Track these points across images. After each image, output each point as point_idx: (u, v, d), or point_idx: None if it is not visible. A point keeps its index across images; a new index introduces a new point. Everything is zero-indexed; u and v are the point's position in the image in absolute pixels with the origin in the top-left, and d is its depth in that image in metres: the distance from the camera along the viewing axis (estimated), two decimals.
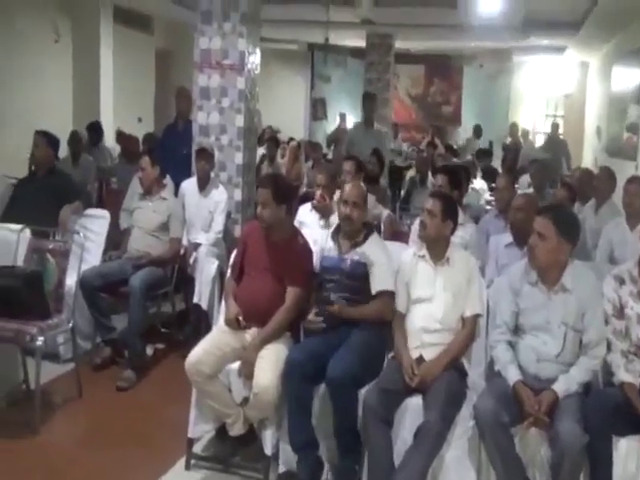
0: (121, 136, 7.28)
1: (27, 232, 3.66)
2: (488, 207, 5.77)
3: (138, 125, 8.91)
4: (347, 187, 3.05)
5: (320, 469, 2.76)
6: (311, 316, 2.91)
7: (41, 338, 3.17)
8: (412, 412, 2.62)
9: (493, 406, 2.45)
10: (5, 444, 3.09)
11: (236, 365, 2.87)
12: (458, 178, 4.00)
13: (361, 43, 10.20)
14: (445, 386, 2.59)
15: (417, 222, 3.99)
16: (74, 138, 6.31)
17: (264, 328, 2.90)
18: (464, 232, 3.51)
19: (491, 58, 12.32)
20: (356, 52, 11.81)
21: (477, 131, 11.11)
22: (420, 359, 2.72)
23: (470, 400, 2.64)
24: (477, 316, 2.82)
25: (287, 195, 3.08)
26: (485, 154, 8.58)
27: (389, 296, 2.87)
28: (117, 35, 8.41)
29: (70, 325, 3.48)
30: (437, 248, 2.86)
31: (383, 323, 2.87)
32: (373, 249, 2.95)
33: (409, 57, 12.20)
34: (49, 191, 4.21)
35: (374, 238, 3.03)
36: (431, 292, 2.82)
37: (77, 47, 8.07)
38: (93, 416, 3.49)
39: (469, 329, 2.79)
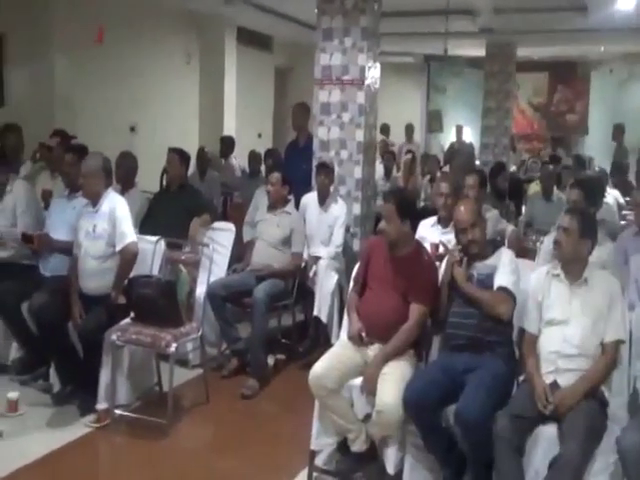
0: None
1: (162, 243, 3.87)
2: (623, 222, 5.37)
3: (258, 140, 9.26)
4: (458, 214, 2.92)
5: (464, 465, 2.66)
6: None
7: (175, 344, 3.35)
8: (545, 441, 2.47)
9: None
10: (138, 444, 3.29)
11: (359, 381, 2.85)
12: (594, 192, 3.75)
13: (479, 52, 9.93)
14: (584, 416, 2.42)
15: (546, 239, 3.80)
16: (201, 154, 6.65)
17: (387, 345, 2.87)
18: (601, 251, 3.25)
19: (622, 62, 11.52)
20: (474, 62, 11.52)
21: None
22: (554, 385, 2.56)
23: (611, 432, 2.45)
24: (619, 342, 2.62)
25: (411, 210, 3.07)
26: (621, 167, 7.99)
27: (507, 293, 2.76)
28: (239, 54, 8.80)
29: (199, 333, 3.65)
30: (574, 268, 2.69)
31: (498, 319, 2.74)
32: (499, 257, 2.86)
33: (531, 64, 11.70)
34: (180, 205, 4.44)
35: (502, 250, 2.94)
36: (567, 314, 2.65)
37: (204, 67, 8.52)
38: (219, 422, 3.63)
39: (610, 356, 2.60)
